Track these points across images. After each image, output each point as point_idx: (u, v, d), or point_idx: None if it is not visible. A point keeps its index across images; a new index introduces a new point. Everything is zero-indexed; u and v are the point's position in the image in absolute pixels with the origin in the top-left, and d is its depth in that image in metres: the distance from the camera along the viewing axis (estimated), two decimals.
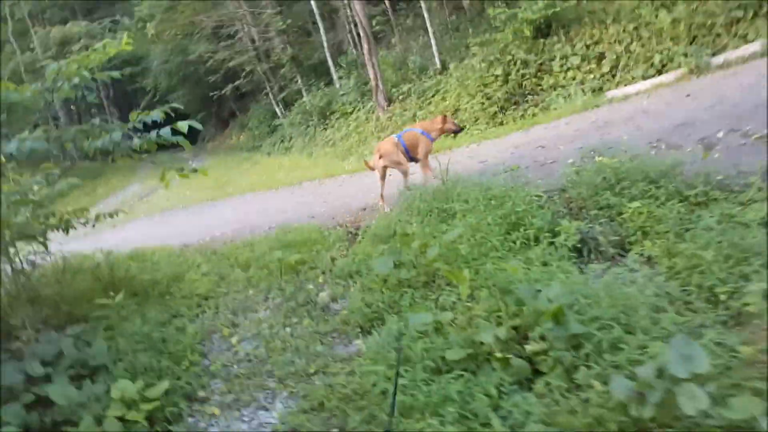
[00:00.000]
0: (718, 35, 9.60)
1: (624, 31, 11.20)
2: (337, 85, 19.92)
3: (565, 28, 12.37)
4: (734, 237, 3.38)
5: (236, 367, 4.09)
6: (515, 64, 12.55)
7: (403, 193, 6.10)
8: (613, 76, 10.97)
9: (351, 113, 18.30)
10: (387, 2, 20.69)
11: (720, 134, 5.16)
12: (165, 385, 3.54)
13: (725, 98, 6.33)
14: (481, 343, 3.13)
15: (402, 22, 20.05)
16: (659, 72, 10.16)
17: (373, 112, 17.10)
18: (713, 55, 9.08)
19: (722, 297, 3.11)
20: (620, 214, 4.22)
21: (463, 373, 3.01)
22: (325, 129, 19.20)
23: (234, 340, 4.52)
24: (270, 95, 23.65)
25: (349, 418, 3.09)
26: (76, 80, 4.34)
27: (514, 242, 4.30)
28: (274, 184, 13.62)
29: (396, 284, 4.18)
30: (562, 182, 5.26)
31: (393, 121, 15.73)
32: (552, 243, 4.21)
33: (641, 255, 3.83)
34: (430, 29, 16.27)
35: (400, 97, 16.27)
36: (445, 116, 7.04)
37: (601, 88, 10.91)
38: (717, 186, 4.27)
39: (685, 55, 9.75)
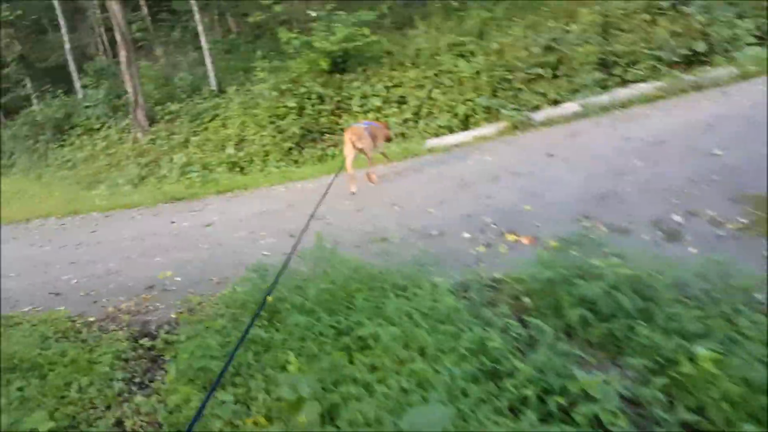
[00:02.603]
0: (519, 89, 9.24)
1: (425, 77, 10.27)
2: (81, 95, 15.32)
3: (363, 66, 11.01)
4: None
5: None
6: (310, 97, 10.67)
7: (243, 280, 3.38)
8: (416, 122, 9.89)
9: (98, 130, 14.19)
10: (146, 9, 17.01)
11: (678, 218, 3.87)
12: None
13: (609, 162, 5.25)
14: None
15: (167, 34, 16.53)
16: (463, 123, 9.39)
17: (129, 132, 13.34)
18: (520, 110, 8.57)
19: None
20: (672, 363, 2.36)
21: None
22: (62, 146, 14.51)
23: None
24: None
25: None
26: None
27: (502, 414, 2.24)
28: None
29: None
30: (490, 274, 3.33)
31: (157, 144, 12.36)
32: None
33: None
34: (204, 46, 13.42)
35: (166, 118, 12.98)
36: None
37: (404, 134, 9.73)
38: None
39: (488, 108, 9.19)
